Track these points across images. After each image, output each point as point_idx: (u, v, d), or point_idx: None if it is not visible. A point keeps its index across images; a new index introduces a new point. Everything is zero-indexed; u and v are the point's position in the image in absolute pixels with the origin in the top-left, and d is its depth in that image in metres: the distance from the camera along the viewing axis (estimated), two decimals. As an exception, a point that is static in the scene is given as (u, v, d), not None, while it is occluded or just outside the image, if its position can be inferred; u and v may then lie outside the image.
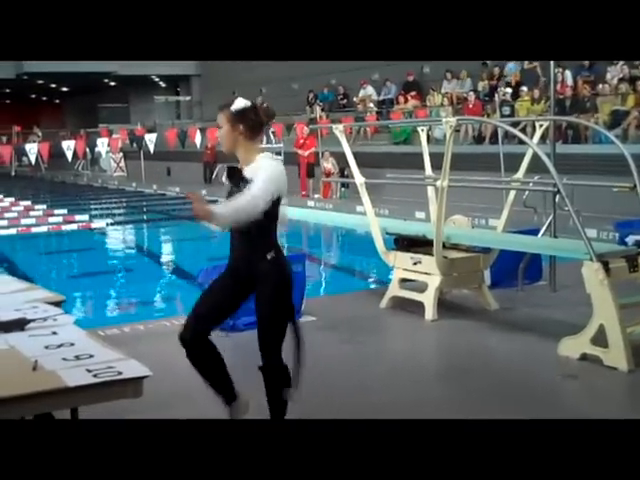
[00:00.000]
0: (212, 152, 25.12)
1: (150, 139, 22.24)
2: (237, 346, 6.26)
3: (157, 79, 37.17)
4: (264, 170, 3.73)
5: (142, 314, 8.22)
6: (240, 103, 3.82)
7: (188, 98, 36.19)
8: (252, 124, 3.81)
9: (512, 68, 18.07)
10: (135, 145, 22.25)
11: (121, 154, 30.66)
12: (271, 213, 3.77)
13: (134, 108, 39.50)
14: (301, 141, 20.09)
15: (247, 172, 3.77)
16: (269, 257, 3.81)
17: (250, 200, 3.63)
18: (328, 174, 18.77)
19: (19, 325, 3.70)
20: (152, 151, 21.92)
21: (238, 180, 3.82)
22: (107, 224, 16.53)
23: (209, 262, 8.91)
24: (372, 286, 9.89)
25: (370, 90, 22.51)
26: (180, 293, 9.83)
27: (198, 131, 22.46)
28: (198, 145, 22.59)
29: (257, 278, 3.84)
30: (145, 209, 20.84)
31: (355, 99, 22.90)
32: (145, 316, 7.91)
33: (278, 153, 21.49)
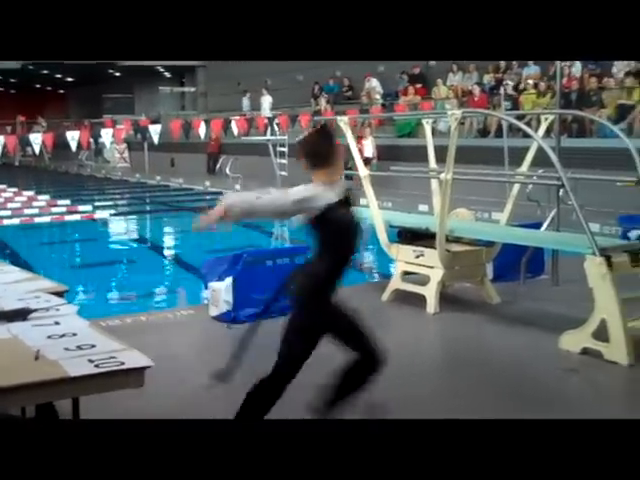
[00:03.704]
0: (216, 143, 25.14)
1: (154, 130, 22.19)
2: (238, 338, 6.28)
3: (162, 70, 37.08)
4: None
5: (144, 305, 8.23)
6: None
7: (193, 89, 36.09)
8: None
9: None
10: (139, 136, 22.21)
11: (125, 145, 30.66)
12: None
13: (139, 99, 39.44)
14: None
15: None
16: None
17: None
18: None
19: (22, 315, 3.71)
20: (156, 142, 21.89)
21: None
22: (110, 215, 16.54)
23: (212, 254, 8.93)
24: (374, 279, 9.89)
25: (374, 82, 22.44)
26: (183, 284, 9.85)
27: (202, 122, 22.44)
28: (202, 136, 22.58)
29: None
30: (148, 200, 20.85)
31: (362, 92, 22.83)
32: (147, 307, 7.93)
33: (282, 145, 21.48)
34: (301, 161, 3.82)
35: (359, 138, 18.36)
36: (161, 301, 8.74)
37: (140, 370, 3.19)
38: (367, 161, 18.41)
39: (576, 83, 16.26)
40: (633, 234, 8.62)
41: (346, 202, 3.77)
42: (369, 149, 18.79)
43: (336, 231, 3.71)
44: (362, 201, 12.39)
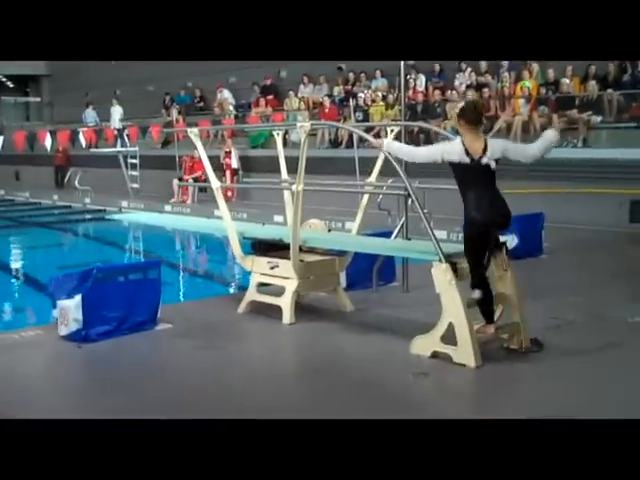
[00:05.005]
0: (64, 155, 24.31)
1: (-4, 141, 21.27)
2: (90, 357, 6.09)
3: (4, 79, 35.52)
4: None
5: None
6: None
7: (38, 99, 34.78)
8: None
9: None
10: (-21, 148, 21.22)
11: (-35, 158, 29.10)
12: None
13: (-21, 109, 37.58)
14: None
15: None
16: None
17: None
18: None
19: None
20: (-2, 154, 20.93)
21: None
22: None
23: (60, 270, 8.63)
24: (231, 291, 9.85)
25: (227, 94, 22.39)
26: (30, 303, 9.44)
27: (48, 133, 21.67)
28: (48, 148, 21.80)
29: None
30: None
31: (214, 103, 22.73)
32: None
33: (133, 156, 21.01)
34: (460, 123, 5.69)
35: (228, 152, 18.58)
36: (6, 322, 8.34)
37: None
38: (235, 172, 18.56)
39: (421, 95, 16.93)
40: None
41: None
42: (235, 160, 18.88)
43: None
44: (217, 212, 12.36)
